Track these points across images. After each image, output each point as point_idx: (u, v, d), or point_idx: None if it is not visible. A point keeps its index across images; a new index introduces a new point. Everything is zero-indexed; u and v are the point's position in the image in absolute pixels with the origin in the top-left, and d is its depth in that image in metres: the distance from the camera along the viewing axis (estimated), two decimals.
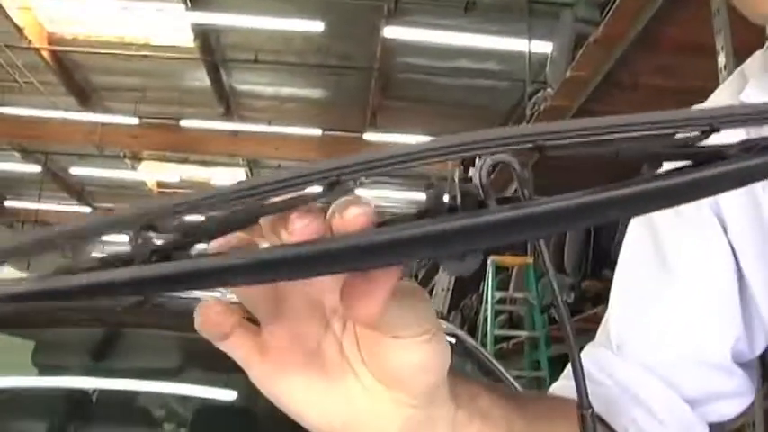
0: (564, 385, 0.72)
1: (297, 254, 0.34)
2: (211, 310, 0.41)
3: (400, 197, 14.79)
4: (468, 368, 1.81)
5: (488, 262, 6.84)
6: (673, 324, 0.70)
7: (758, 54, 0.75)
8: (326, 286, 0.43)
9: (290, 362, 0.43)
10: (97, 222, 0.35)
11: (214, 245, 0.38)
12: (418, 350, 0.43)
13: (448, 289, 8.62)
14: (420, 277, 9.39)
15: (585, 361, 0.72)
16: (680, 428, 0.68)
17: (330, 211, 0.37)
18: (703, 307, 0.69)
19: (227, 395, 2.32)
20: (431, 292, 8.66)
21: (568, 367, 0.74)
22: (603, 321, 0.76)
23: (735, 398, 0.70)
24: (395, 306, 0.41)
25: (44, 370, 1.84)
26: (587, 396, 0.41)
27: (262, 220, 0.38)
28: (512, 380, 1.83)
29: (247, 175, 14.23)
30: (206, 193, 0.34)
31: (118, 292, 0.37)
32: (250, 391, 2.35)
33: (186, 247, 0.36)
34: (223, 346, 0.43)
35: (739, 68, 0.77)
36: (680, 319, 0.70)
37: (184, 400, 2.41)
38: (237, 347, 0.43)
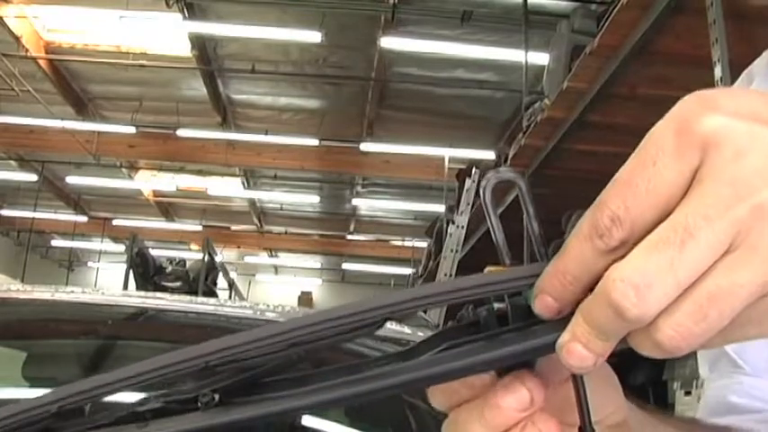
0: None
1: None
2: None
3: (398, 207, 14.78)
4: None
5: (485, 273, 6.82)
6: None
7: (766, 53, 0.72)
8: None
9: None
10: (157, 368, 0.38)
11: None
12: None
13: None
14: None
15: (722, 397, 0.70)
16: None
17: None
18: None
19: None
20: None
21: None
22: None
23: None
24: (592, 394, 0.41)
25: (35, 383, 1.81)
26: (590, 422, 0.40)
27: None
28: None
29: (243, 185, 14.21)
30: (258, 334, 0.37)
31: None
32: None
33: (246, 391, 0.39)
34: None
35: (748, 68, 0.74)
36: None
37: None
38: None
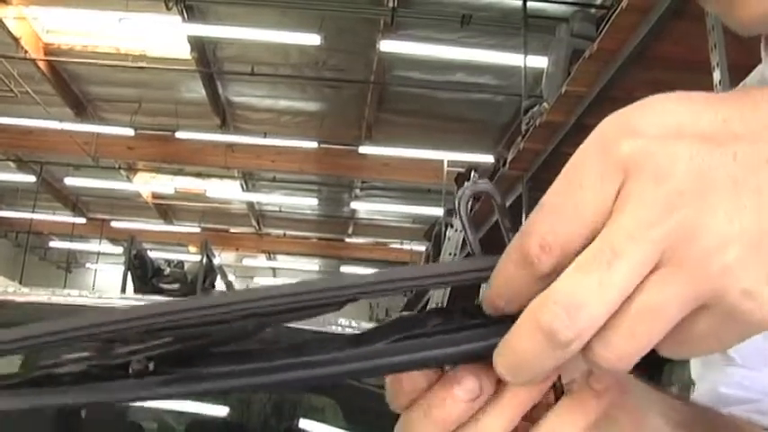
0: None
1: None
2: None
3: (396, 210, 14.78)
4: None
5: None
6: None
7: (759, 68, 0.72)
8: None
9: None
10: (88, 325, 0.33)
11: None
12: None
13: (442, 303, 8.60)
14: (414, 291, 9.37)
15: (713, 389, 0.72)
16: None
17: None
18: None
19: (219, 410, 2.30)
20: (425, 307, 8.66)
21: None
22: None
23: None
24: None
25: None
26: None
27: None
28: None
29: (242, 188, 14.21)
30: (216, 300, 0.33)
31: (118, 401, 0.36)
32: (241, 406, 2.33)
33: (184, 361, 0.35)
34: None
35: (740, 84, 0.74)
36: None
37: (176, 414, 2.39)
38: None
